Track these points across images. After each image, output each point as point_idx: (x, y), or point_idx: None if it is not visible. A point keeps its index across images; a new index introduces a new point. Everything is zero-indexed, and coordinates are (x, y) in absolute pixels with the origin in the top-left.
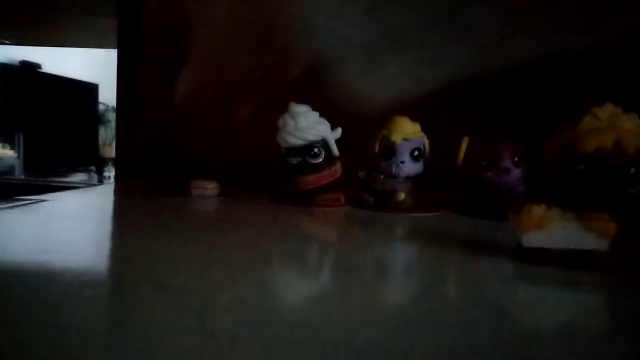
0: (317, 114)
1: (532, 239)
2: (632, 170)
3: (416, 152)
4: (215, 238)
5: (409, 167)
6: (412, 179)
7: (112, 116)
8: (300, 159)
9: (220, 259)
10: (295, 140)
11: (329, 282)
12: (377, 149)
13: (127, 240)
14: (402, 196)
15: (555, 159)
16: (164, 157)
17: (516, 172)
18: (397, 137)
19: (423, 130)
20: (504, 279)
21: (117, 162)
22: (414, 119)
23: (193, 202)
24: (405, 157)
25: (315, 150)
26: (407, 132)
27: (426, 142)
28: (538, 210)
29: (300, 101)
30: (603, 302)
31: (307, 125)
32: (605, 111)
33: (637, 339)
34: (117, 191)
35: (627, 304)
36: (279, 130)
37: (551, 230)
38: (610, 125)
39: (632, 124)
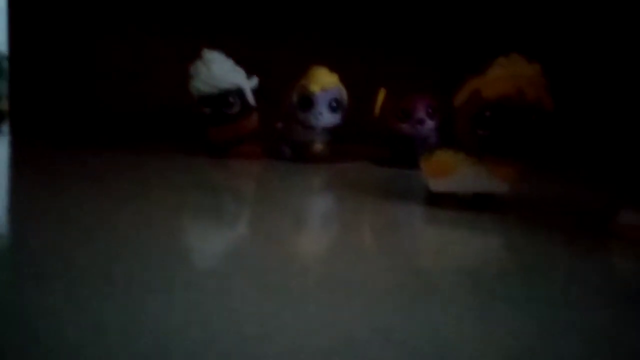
0: (231, 61)
1: (439, 184)
2: (533, 117)
3: (334, 103)
4: (123, 192)
5: (327, 118)
6: (330, 130)
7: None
8: (214, 108)
9: (132, 212)
10: (208, 89)
11: (244, 233)
12: (294, 99)
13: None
14: (319, 147)
15: (463, 106)
16: (66, 110)
17: (430, 124)
18: (315, 87)
19: (341, 81)
20: (413, 224)
21: (11, 115)
22: (332, 69)
23: (97, 157)
24: (323, 107)
25: (230, 99)
26: (325, 82)
27: (344, 93)
28: (445, 156)
29: (214, 47)
30: (503, 242)
31: (221, 73)
32: (511, 61)
33: (533, 276)
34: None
35: (524, 243)
36: (191, 78)
37: (457, 175)
38: (514, 74)
39: (534, 74)
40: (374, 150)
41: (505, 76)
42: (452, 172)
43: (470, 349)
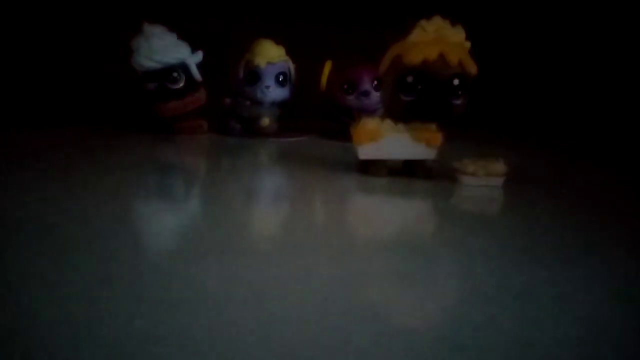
0: (174, 35)
1: (367, 151)
2: (456, 81)
3: (281, 77)
4: (70, 173)
5: (275, 92)
6: (278, 104)
7: None
8: (157, 84)
9: (81, 192)
10: (150, 64)
11: (195, 213)
12: (241, 73)
13: None
14: (266, 121)
15: (386, 72)
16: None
17: (376, 95)
18: (261, 61)
19: (288, 54)
20: (346, 193)
21: None
22: (279, 42)
23: (40, 137)
24: (271, 81)
25: (175, 74)
26: (271, 55)
27: (292, 66)
28: (371, 123)
29: (156, 21)
30: (430, 207)
31: (163, 47)
32: (433, 24)
33: (461, 237)
34: None
35: (450, 207)
36: (132, 53)
37: (384, 141)
38: (436, 38)
39: (457, 37)
40: (322, 124)
41: (427, 40)
42: (378, 139)
43: (405, 311)
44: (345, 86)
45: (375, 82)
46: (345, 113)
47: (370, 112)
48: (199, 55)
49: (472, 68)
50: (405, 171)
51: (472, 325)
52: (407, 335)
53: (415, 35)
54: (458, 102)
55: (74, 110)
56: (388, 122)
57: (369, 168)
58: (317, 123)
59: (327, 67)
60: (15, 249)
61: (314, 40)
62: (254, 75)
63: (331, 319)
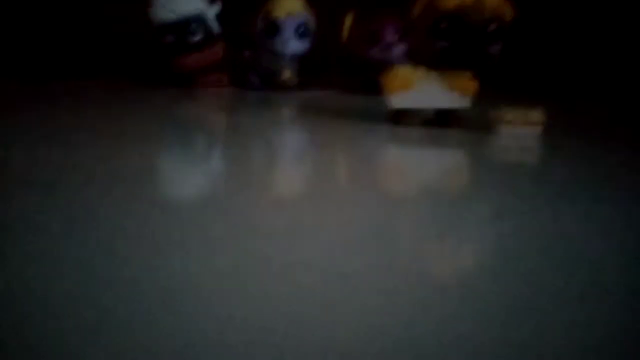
0: None
1: (400, 100)
2: (492, 27)
3: (301, 29)
4: (91, 128)
5: (295, 45)
6: (299, 57)
7: None
8: (175, 36)
9: (103, 147)
10: (167, 15)
11: (219, 170)
12: (260, 26)
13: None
14: (287, 74)
15: (419, 17)
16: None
17: (400, 47)
18: (280, 13)
19: (308, 6)
20: (377, 145)
21: None
22: None
23: (61, 91)
24: (290, 34)
25: (192, 26)
26: (290, 7)
27: (311, 18)
28: (404, 72)
29: None
30: (463, 158)
31: None
32: None
33: (490, 187)
34: None
35: (484, 160)
36: (150, 4)
37: (417, 90)
38: None
39: None
40: (343, 78)
41: None
42: (411, 87)
43: (442, 262)
44: (368, 37)
45: (400, 34)
46: (368, 66)
47: (394, 65)
48: (217, 7)
49: (509, 13)
50: (438, 121)
51: (513, 277)
52: (443, 288)
53: None
54: (494, 49)
55: (91, 64)
56: (421, 70)
57: (401, 118)
58: (338, 76)
59: (349, 18)
60: (41, 199)
61: None
62: (274, 28)
63: (365, 273)
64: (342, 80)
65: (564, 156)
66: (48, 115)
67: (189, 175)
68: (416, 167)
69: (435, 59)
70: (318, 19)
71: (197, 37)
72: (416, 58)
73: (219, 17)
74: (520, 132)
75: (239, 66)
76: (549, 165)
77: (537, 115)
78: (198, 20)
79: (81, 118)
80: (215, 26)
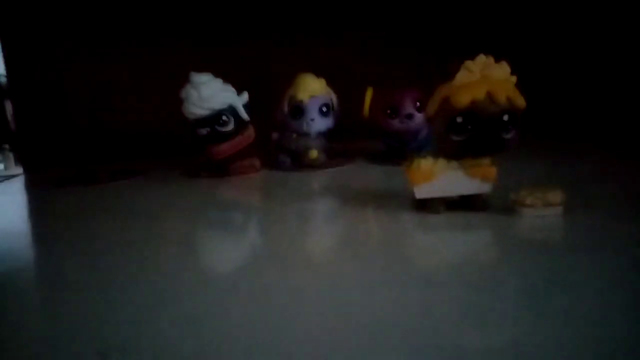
0: (220, 80)
1: (424, 190)
2: (505, 117)
3: (324, 108)
4: (139, 220)
5: (319, 124)
6: (324, 134)
7: None
8: (209, 129)
9: (151, 235)
10: (200, 111)
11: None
12: (285, 108)
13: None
14: (314, 154)
15: (436, 114)
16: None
17: (419, 117)
18: (304, 95)
19: (329, 84)
20: (405, 229)
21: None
22: (319, 75)
23: (105, 185)
24: (314, 114)
25: (224, 118)
26: (313, 89)
27: (334, 96)
28: (426, 164)
29: (201, 67)
30: (489, 239)
31: (211, 94)
32: (478, 64)
33: (519, 266)
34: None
35: (510, 236)
36: (183, 102)
37: (439, 180)
38: (482, 78)
39: (502, 73)
40: (369, 145)
41: (473, 81)
42: (433, 179)
43: (471, 342)
44: (389, 111)
45: (418, 104)
46: (391, 137)
47: (415, 133)
48: (245, 96)
49: (521, 102)
50: (462, 204)
51: (539, 351)
52: None
53: (462, 77)
54: (509, 136)
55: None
56: (441, 161)
57: (425, 205)
58: (364, 145)
59: (369, 93)
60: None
61: (353, 69)
62: (298, 110)
63: (397, 350)
64: (366, 148)
65: (583, 233)
66: (97, 211)
67: (228, 248)
68: (441, 248)
69: (455, 151)
70: (340, 96)
71: (230, 127)
72: (436, 150)
73: (247, 105)
74: (542, 213)
75: (268, 148)
76: (569, 244)
77: (556, 195)
78: (229, 111)
79: (137, 210)
80: (244, 114)
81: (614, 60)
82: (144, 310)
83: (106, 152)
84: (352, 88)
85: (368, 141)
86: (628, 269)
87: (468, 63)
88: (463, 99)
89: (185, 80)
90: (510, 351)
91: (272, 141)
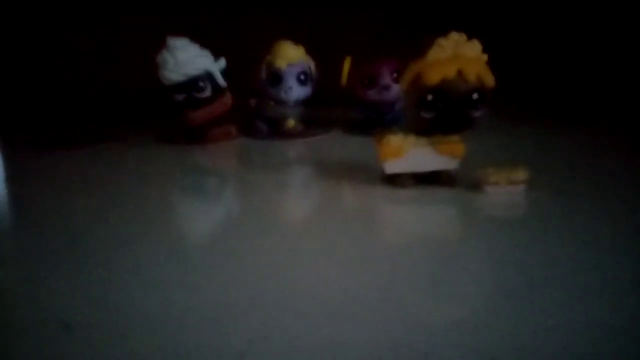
0: (196, 45)
1: (393, 166)
2: (475, 96)
3: (302, 76)
4: (115, 184)
5: (297, 92)
6: (302, 102)
7: None
8: (185, 94)
9: (130, 201)
10: (176, 77)
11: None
12: (263, 75)
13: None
14: (291, 123)
15: (407, 90)
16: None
17: (396, 88)
18: (282, 63)
19: (307, 52)
20: (375, 201)
21: None
22: (297, 42)
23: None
24: (292, 82)
25: (200, 84)
26: (291, 56)
27: (312, 64)
28: (396, 140)
29: (179, 33)
30: (454, 214)
31: (187, 59)
32: (450, 41)
33: (482, 241)
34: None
35: (475, 212)
36: (159, 67)
37: (408, 156)
38: (453, 56)
39: (473, 52)
40: (347, 114)
41: (445, 59)
42: (403, 155)
43: (433, 309)
44: (366, 81)
45: (395, 75)
46: (368, 107)
47: (392, 104)
48: (222, 62)
49: (490, 81)
50: (431, 179)
51: (500, 324)
52: (433, 331)
53: (433, 54)
54: (478, 114)
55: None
56: (411, 137)
57: (395, 180)
58: (341, 113)
59: (347, 63)
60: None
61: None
62: (276, 77)
63: (361, 320)
64: (344, 117)
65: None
66: (74, 176)
67: (202, 214)
68: (408, 221)
69: (424, 127)
70: (318, 64)
71: (206, 93)
72: (407, 126)
73: (225, 71)
74: (506, 190)
75: (246, 114)
76: (530, 220)
77: (520, 174)
78: (206, 77)
79: (108, 176)
80: (221, 80)
81: (584, 39)
82: (116, 276)
83: (81, 116)
84: (331, 56)
85: (346, 110)
86: (585, 248)
87: (440, 40)
88: (434, 77)
89: (162, 44)
90: (470, 323)
91: (249, 108)
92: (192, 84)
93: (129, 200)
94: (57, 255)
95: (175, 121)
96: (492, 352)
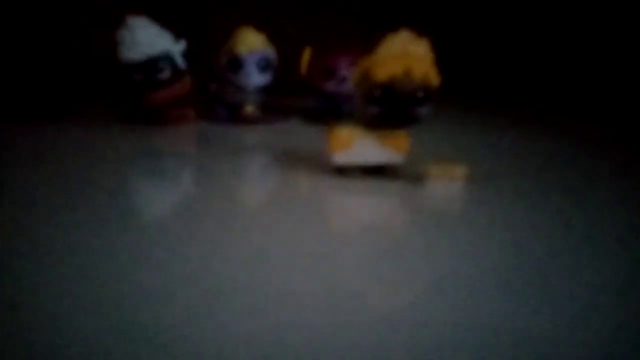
0: (157, 26)
1: (341, 157)
2: (420, 94)
3: (263, 63)
4: (69, 164)
5: (257, 78)
6: (262, 89)
7: None
8: (143, 74)
9: (81, 182)
10: (135, 56)
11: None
12: (224, 61)
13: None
14: (250, 109)
15: (357, 84)
16: None
17: None
18: (243, 49)
19: (270, 40)
20: (323, 190)
21: None
22: (259, 29)
23: (36, 129)
24: (252, 68)
25: (160, 65)
26: (252, 43)
27: (273, 52)
28: (344, 132)
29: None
30: (397, 206)
31: (146, 38)
32: (400, 38)
33: (421, 232)
34: None
35: (417, 205)
36: (117, 45)
37: (355, 148)
38: (402, 54)
39: (421, 51)
40: (306, 103)
41: (393, 56)
42: (351, 146)
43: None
44: (324, 72)
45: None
46: (326, 98)
47: (348, 96)
48: (182, 44)
49: (435, 80)
50: (377, 172)
51: (429, 316)
52: (377, 317)
53: (382, 51)
54: (423, 111)
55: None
56: (359, 130)
57: (344, 170)
58: (300, 102)
59: (307, 53)
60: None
61: (294, 26)
62: (236, 63)
63: (304, 306)
64: (302, 106)
65: (482, 205)
66: (25, 154)
67: (157, 196)
68: (353, 209)
69: (371, 121)
70: (279, 53)
71: (165, 75)
72: (356, 119)
73: (185, 53)
74: (445, 185)
75: (205, 98)
76: (469, 213)
77: (460, 170)
78: (165, 58)
79: (62, 155)
80: (181, 62)
81: (538, 36)
82: (70, 258)
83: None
84: (292, 45)
85: (305, 99)
86: (522, 242)
87: (390, 37)
88: (381, 74)
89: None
90: (409, 311)
91: (210, 92)
92: (151, 64)
93: (83, 180)
94: (7, 237)
95: (135, 101)
96: (422, 342)
